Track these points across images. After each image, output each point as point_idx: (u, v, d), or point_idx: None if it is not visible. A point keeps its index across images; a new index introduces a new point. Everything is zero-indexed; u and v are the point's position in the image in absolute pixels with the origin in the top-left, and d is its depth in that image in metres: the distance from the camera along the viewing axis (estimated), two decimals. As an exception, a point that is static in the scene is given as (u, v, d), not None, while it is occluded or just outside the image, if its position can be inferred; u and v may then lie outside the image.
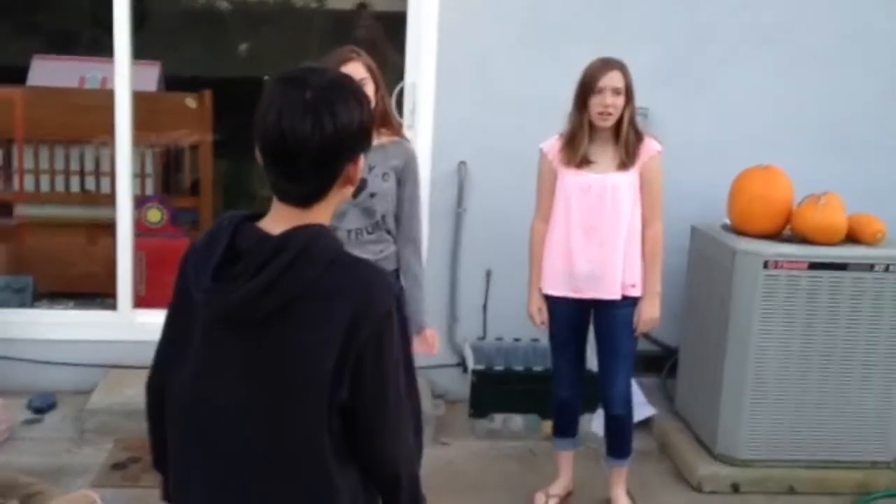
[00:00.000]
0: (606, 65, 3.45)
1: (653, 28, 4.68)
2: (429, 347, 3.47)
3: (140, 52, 4.93)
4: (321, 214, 1.67)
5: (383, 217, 3.34)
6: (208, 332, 1.65)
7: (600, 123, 3.46)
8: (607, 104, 3.41)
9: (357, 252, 3.26)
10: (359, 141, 1.66)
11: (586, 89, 3.45)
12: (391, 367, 1.65)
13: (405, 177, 3.35)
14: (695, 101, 4.76)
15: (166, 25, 7.43)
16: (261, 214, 1.70)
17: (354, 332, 1.59)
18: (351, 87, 1.66)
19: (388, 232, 3.38)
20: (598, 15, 4.66)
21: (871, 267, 3.98)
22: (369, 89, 3.22)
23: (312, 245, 1.60)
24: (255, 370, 1.61)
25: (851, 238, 4.09)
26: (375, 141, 3.29)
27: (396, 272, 3.43)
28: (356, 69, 3.21)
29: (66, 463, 4.09)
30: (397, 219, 3.38)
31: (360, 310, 1.59)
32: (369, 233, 3.32)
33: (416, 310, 3.41)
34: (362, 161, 1.69)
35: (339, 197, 1.70)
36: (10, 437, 4.24)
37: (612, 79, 3.41)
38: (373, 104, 3.23)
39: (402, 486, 1.72)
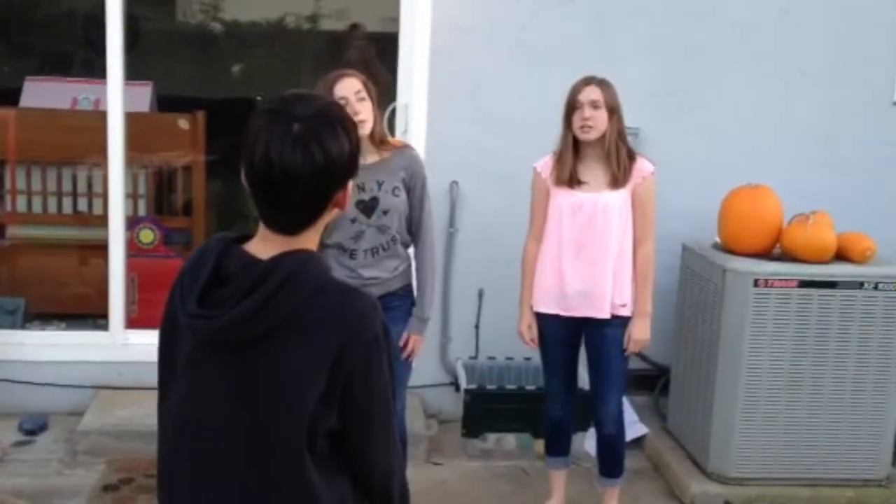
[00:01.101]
0: (585, 81, 3.52)
1: (644, 48, 4.72)
2: (406, 351, 3.50)
3: (132, 72, 4.95)
4: (309, 240, 1.68)
5: (399, 231, 3.41)
6: (194, 354, 1.65)
7: (581, 136, 3.50)
8: (586, 117, 3.46)
9: (374, 270, 3.40)
10: (349, 169, 1.67)
11: (569, 107, 3.52)
12: (380, 390, 1.66)
13: (413, 183, 3.43)
14: (686, 120, 4.80)
15: (159, 46, 7.45)
16: (248, 236, 1.70)
17: (341, 361, 1.59)
18: (338, 116, 1.66)
19: (404, 245, 3.48)
20: (589, 35, 4.70)
21: (860, 285, 4.00)
22: (367, 105, 3.28)
23: (300, 271, 1.61)
24: (238, 394, 1.61)
25: (841, 256, 4.11)
26: (377, 157, 3.34)
27: (408, 288, 3.50)
28: (352, 84, 3.27)
29: (58, 485, 4.07)
30: (410, 222, 3.46)
31: (347, 339, 1.60)
32: (385, 249, 3.40)
33: (419, 304, 3.48)
34: (350, 186, 1.70)
35: (327, 219, 1.71)
36: (2, 459, 4.22)
37: (590, 93, 3.47)
38: (372, 120, 3.31)
39: (393, 496, 1.74)
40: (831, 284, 4.00)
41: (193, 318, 1.61)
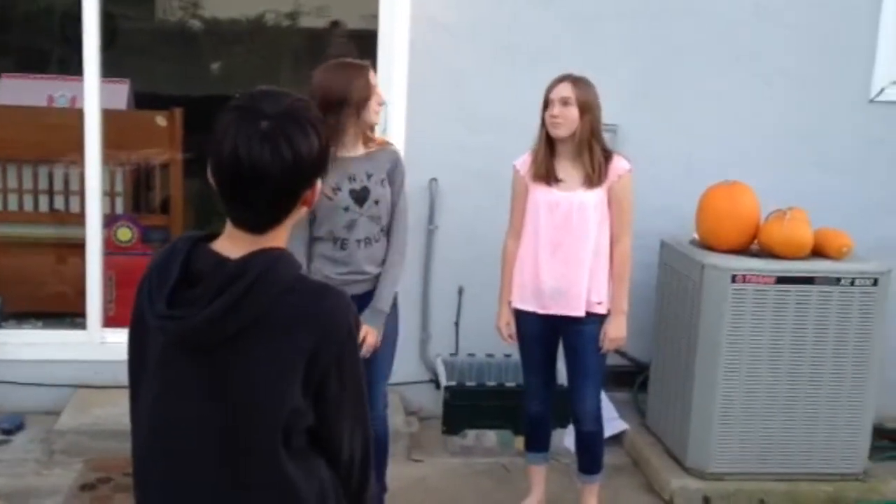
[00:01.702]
0: (560, 78, 3.54)
1: (626, 46, 4.73)
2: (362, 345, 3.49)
3: (111, 70, 4.92)
4: (277, 238, 1.67)
5: (387, 223, 3.47)
6: (165, 355, 1.63)
7: (551, 132, 3.51)
8: (554, 114, 3.47)
9: (366, 261, 3.42)
10: (318, 167, 1.65)
11: (543, 103, 3.54)
12: (354, 382, 1.67)
13: (393, 178, 3.49)
14: (667, 117, 4.81)
15: (138, 44, 7.42)
16: (216, 234, 1.68)
17: (316, 359, 1.59)
18: (307, 114, 1.63)
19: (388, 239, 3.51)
20: (571, 34, 4.70)
21: (837, 281, 4.03)
22: (375, 100, 3.37)
23: (271, 270, 1.59)
24: (209, 394, 1.60)
25: (818, 252, 4.14)
26: (367, 150, 3.39)
27: None
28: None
29: (35, 484, 4.04)
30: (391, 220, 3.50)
31: (321, 337, 1.60)
32: (376, 241, 3.45)
33: (376, 296, 3.45)
34: (319, 184, 1.69)
35: (295, 218, 1.69)
36: (-22, 459, 4.19)
37: (561, 90, 3.49)
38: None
39: (353, 475, 1.73)
40: (808, 280, 4.03)
41: (163, 319, 1.59)
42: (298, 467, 1.63)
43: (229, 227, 1.66)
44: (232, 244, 1.64)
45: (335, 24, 7.06)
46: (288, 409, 1.59)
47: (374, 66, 4.69)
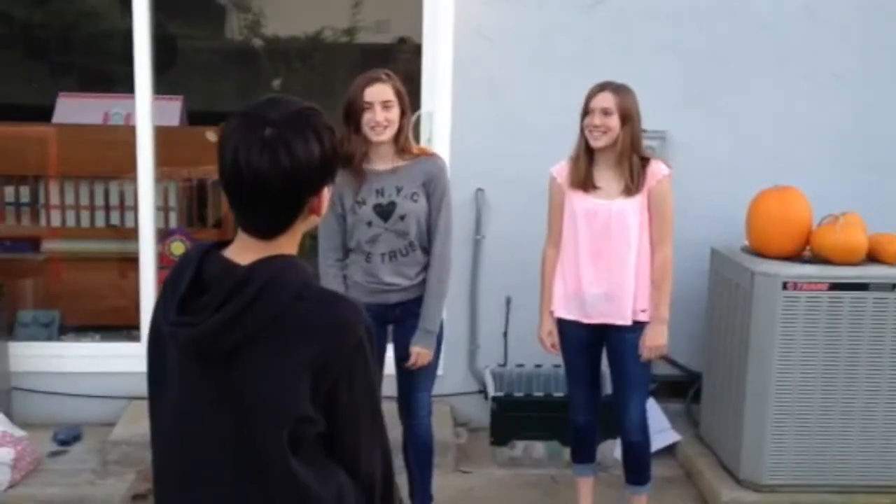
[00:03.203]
0: (601, 87, 3.49)
1: (668, 51, 4.67)
2: (410, 362, 3.51)
3: (172, 87, 5.00)
4: (287, 245, 1.67)
5: (418, 237, 3.41)
6: (179, 361, 1.65)
7: (592, 143, 3.47)
8: (596, 124, 3.43)
9: (393, 276, 3.42)
10: (320, 175, 1.64)
11: (583, 112, 3.50)
12: (366, 391, 1.65)
13: (432, 189, 3.44)
14: (714, 122, 4.74)
15: (202, 62, 7.56)
16: (228, 242, 1.69)
17: (324, 370, 1.58)
18: (310, 121, 1.62)
19: (425, 252, 3.47)
20: (613, 39, 4.67)
21: (893, 287, 3.92)
22: (394, 112, 3.32)
23: (278, 278, 1.60)
24: (220, 400, 1.61)
25: (872, 258, 4.03)
26: (400, 163, 3.37)
27: None
28: (384, 91, 3.31)
29: (89, 494, 4.12)
30: (428, 232, 3.45)
31: (328, 347, 1.59)
32: (403, 255, 3.43)
33: (422, 317, 3.46)
34: (327, 192, 1.68)
35: (306, 226, 1.69)
36: (37, 469, 4.28)
37: (602, 100, 3.44)
38: (396, 128, 3.33)
39: (376, 493, 1.72)
40: (863, 286, 3.92)
41: (174, 325, 1.61)
42: (311, 472, 1.63)
43: (240, 234, 1.67)
44: (242, 251, 1.65)
45: (402, 40, 7.12)
46: (294, 417, 1.59)
47: (417, 77, 4.77)
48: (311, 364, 1.58)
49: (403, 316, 3.50)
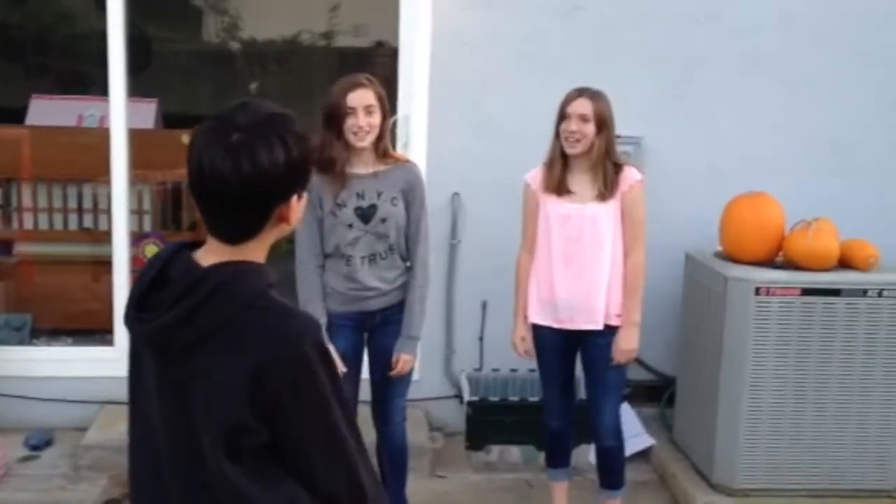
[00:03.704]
0: (577, 92, 3.49)
1: (647, 57, 4.69)
2: (395, 370, 3.50)
3: (148, 89, 4.96)
4: (254, 252, 1.66)
5: (397, 241, 3.42)
6: (140, 356, 1.67)
7: (567, 150, 3.48)
8: (572, 130, 3.44)
9: (374, 279, 3.40)
10: (287, 183, 1.62)
11: (558, 117, 3.51)
12: (317, 408, 1.61)
13: (411, 199, 3.44)
14: (690, 128, 4.77)
15: (179, 64, 7.52)
16: (202, 243, 1.69)
17: (263, 379, 1.56)
18: (279, 128, 1.60)
19: (403, 258, 3.47)
20: (591, 45, 4.68)
21: (864, 292, 3.95)
22: (377, 117, 3.32)
23: (234, 282, 1.59)
24: (173, 397, 1.62)
25: (844, 263, 4.06)
26: (381, 167, 3.36)
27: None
28: (366, 96, 3.30)
29: (62, 499, 4.09)
30: (407, 240, 3.46)
31: (270, 357, 1.56)
32: (383, 258, 3.43)
33: (406, 323, 3.45)
34: (297, 201, 1.66)
35: (276, 234, 1.68)
36: (7, 474, 4.24)
37: (579, 105, 3.45)
38: (377, 133, 3.33)
39: None
40: (835, 292, 3.95)
41: (132, 320, 1.63)
42: (250, 479, 1.60)
43: (208, 237, 1.67)
44: (208, 253, 1.65)
45: (379, 44, 7.14)
46: (229, 422, 1.57)
47: (394, 81, 4.76)
48: (249, 373, 1.56)
49: (383, 321, 3.49)
